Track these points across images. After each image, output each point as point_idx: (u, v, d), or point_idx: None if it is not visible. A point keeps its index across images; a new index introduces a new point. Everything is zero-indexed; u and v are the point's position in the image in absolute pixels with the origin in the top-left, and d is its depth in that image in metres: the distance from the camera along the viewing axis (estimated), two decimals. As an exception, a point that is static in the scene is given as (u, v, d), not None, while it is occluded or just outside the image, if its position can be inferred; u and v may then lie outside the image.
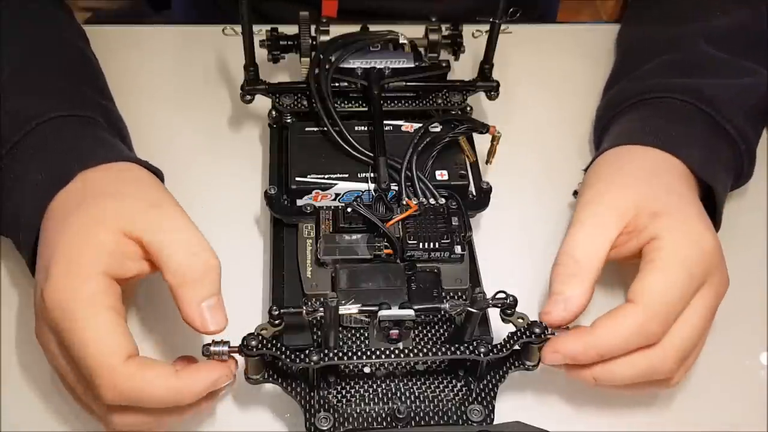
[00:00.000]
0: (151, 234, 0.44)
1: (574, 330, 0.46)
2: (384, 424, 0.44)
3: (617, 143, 0.54)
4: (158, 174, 0.52)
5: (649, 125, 0.54)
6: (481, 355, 0.44)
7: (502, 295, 0.46)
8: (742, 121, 0.55)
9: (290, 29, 0.61)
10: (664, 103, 0.56)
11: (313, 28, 0.60)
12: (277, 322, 0.44)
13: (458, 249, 0.49)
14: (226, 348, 0.43)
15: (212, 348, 0.43)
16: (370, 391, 0.46)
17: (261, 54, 0.59)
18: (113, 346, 0.41)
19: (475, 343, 0.44)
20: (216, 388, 0.43)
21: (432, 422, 0.45)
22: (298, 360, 0.43)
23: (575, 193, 0.58)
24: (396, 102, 0.58)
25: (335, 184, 0.52)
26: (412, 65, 0.59)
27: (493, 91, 0.60)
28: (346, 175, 0.53)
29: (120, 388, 0.40)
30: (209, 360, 0.44)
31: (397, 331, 0.46)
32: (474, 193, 0.54)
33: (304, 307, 0.44)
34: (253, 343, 0.43)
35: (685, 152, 0.52)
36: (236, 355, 0.44)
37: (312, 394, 0.45)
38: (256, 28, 0.55)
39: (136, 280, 0.46)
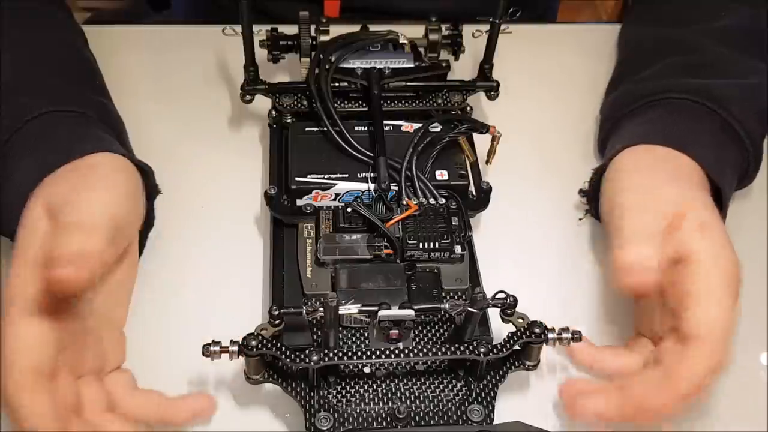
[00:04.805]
0: (58, 204, 0.45)
1: (645, 380, 0.45)
2: (384, 424, 0.44)
3: (633, 143, 0.53)
4: (145, 169, 0.52)
5: (665, 125, 0.54)
6: (481, 355, 0.44)
7: (502, 295, 0.46)
8: (750, 122, 0.55)
9: (290, 29, 0.61)
10: (676, 104, 0.55)
11: (313, 28, 0.60)
12: (277, 322, 0.44)
13: (458, 249, 0.49)
14: (218, 348, 0.44)
15: (212, 348, 0.43)
16: (370, 391, 0.46)
17: (261, 54, 0.59)
18: (28, 355, 0.40)
19: (475, 343, 0.44)
20: None
21: (432, 422, 0.45)
22: (298, 360, 0.43)
23: (581, 191, 0.58)
24: (396, 102, 0.58)
25: (335, 184, 0.52)
26: (412, 65, 0.59)
27: (493, 91, 0.60)
28: (346, 175, 0.53)
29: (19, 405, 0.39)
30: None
31: (397, 331, 0.46)
32: (474, 193, 0.54)
33: (304, 307, 0.44)
34: (253, 343, 0.43)
35: (700, 153, 0.52)
36: (224, 357, 0.44)
37: (312, 394, 0.45)
38: (256, 28, 0.55)
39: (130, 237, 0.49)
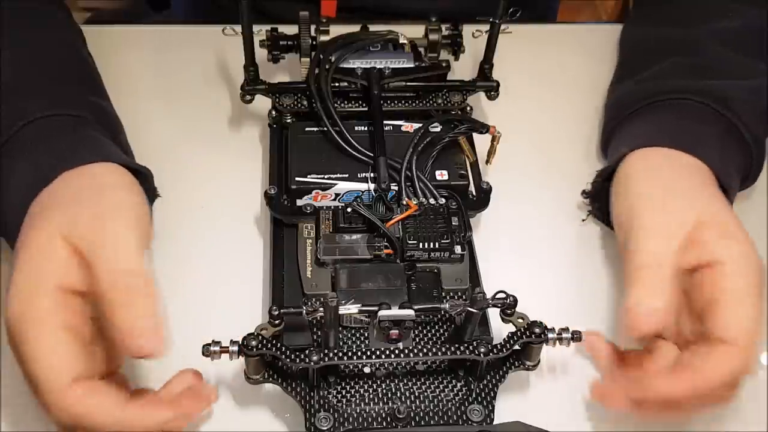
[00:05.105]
0: (87, 248, 0.43)
1: (670, 371, 0.45)
2: (384, 424, 0.44)
3: (639, 144, 0.53)
4: (145, 174, 0.51)
5: (672, 127, 0.54)
6: (481, 355, 0.44)
7: (502, 295, 0.46)
8: (755, 124, 0.55)
9: (290, 29, 0.61)
10: (681, 105, 0.55)
11: (313, 28, 0.60)
12: (277, 322, 0.44)
13: (458, 249, 0.49)
14: (218, 348, 0.44)
15: (212, 348, 0.44)
16: (370, 391, 0.46)
17: (261, 54, 0.59)
18: (60, 367, 0.40)
19: (475, 343, 0.44)
20: (167, 431, 0.42)
21: (432, 422, 0.45)
22: (298, 360, 0.43)
23: (584, 192, 0.58)
24: (396, 102, 0.58)
25: (335, 184, 0.52)
26: (412, 65, 0.59)
27: (493, 91, 0.60)
28: (346, 175, 0.53)
29: (67, 411, 0.40)
30: (170, 395, 0.44)
31: (397, 331, 0.46)
32: (474, 193, 0.54)
33: (304, 307, 0.44)
34: (253, 343, 0.43)
35: (708, 155, 0.52)
36: (224, 357, 0.44)
37: (312, 394, 0.45)
38: (256, 28, 0.55)
39: None
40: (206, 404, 0.46)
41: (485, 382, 0.46)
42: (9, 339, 0.42)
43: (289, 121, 0.57)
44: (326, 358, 0.43)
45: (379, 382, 0.46)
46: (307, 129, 0.56)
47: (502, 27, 0.56)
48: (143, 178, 0.52)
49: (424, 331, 0.48)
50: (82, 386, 0.40)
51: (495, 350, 0.44)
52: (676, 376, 0.45)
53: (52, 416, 0.41)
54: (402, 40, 0.61)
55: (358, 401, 0.45)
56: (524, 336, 0.45)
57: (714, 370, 0.44)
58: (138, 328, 0.41)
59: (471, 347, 0.44)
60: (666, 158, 0.52)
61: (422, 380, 0.46)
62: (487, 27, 0.56)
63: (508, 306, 0.46)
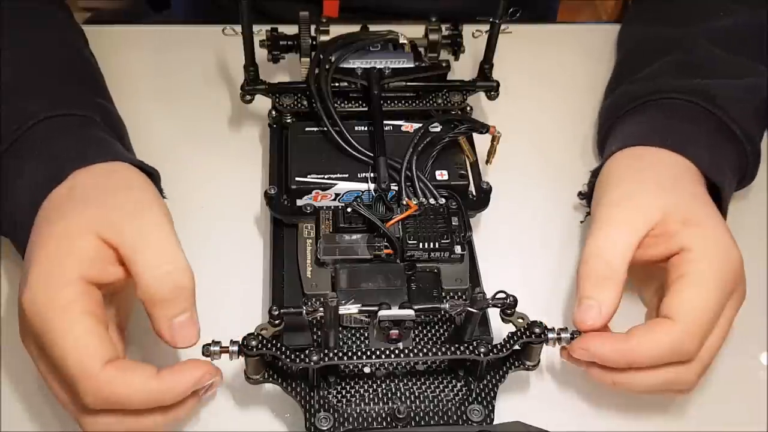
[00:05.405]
0: (127, 246, 0.43)
1: (609, 333, 0.46)
2: (384, 424, 0.44)
3: (627, 144, 0.53)
4: (154, 174, 0.51)
5: (659, 126, 0.54)
6: (481, 355, 0.44)
7: (502, 295, 0.46)
8: (747, 121, 0.55)
9: (290, 29, 0.61)
10: (670, 104, 0.55)
11: (313, 28, 0.60)
12: (277, 322, 0.44)
13: (458, 249, 0.49)
14: (218, 348, 0.44)
15: (212, 348, 0.44)
16: (370, 391, 0.46)
17: (261, 54, 0.59)
18: (91, 352, 0.40)
19: (475, 343, 0.44)
20: (198, 387, 0.43)
21: (432, 422, 0.45)
22: (298, 360, 0.43)
23: (580, 194, 0.58)
24: (396, 102, 0.58)
25: (335, 184, 0.52)
26: (412, 65, 0.59)
27: (493, 91, 0.60)
28: (346, 175, 0.53)
29: (101, 394, 0.40)
30: (192, 359, 0.44)
31: (397, 331, 0.46)
32: (474, 193, 0.54)
33: (304, 307, 0.44)
34: (253, 343, 0.43)
35: (695, 153, 0.52)
36: (224, 357, 0.44)
37: (312, 394, 0.45)
38: (256, 28, 0.55)
39: (126, 285, 0.46)
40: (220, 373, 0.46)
41: (485, 382, 0.46)
42: (28, 329, 0.42)
43: (289, 121, 0.57)
44: (326, 358, 0.43)
45: (379, 382, 0.46)
46: (307, 129, 0.56)
47: (502, 27, 0.56)
48: (152, 179, 0.52)
49: (424, 331, 0.48)
50: (114, 367, 0.41)
51: (495, 350, 0.44)
52: (607, 337, 0.45)
53: (85, 402, 0.40)
54: (402, 40, 0.61)
55: (358, 401, 0.45)
56: (524, 336, 0.45)
57: (647, 343, 0.44)
58: (179, 323, 0.43)
59: (471, 347, 0.44)
60: (652, 157, 0.52)
61: (422, 380, 0.46)
62: (487, 27, 0.56)
63: (508, 306, 0.46)
